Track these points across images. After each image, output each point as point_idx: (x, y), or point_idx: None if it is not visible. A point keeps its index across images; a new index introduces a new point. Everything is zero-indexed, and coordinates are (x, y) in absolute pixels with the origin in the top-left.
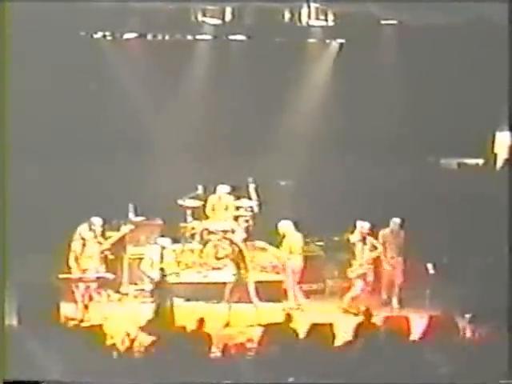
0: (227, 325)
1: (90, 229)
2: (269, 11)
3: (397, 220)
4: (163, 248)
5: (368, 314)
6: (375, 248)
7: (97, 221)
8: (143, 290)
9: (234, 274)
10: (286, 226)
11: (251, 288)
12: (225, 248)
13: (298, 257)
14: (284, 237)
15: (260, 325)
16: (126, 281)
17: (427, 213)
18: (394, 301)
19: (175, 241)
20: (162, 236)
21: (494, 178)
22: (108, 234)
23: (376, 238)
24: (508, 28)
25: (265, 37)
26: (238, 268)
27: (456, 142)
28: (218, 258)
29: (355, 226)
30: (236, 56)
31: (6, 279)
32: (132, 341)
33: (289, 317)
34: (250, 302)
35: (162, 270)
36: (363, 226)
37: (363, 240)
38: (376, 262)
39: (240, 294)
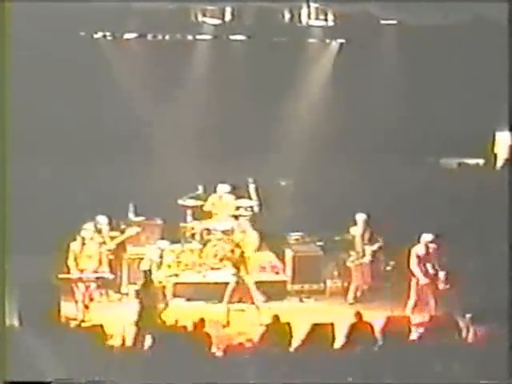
0: (227, 325)
1: (96, 228)
2: (269, 11)
3: (428, 237)
4: (162, 249)
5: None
6: (377, 240)
7: (103, 220)
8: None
9: (234, 275)
10: (244, 224)
11: (252, 288)
12: (225, 248)
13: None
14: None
15: (261, 325)
16: (126, 281)
17: (427, 213)
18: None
19: (175, 241)
20: (162, 238)
21: (493, 178)
22: (110, 234)
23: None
24: (508, 28)
25: (265, 37)
26: (238, 268)
27: (456, 142)
28: (217, 258)
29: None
30: (236, 56)
31: (7, 279)
32: (132, 340)
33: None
34: (252, 302)
35: (149, 271)
36: (364, 217)
37: (364, 232)
38: (377, 257)
39: (240, 294)
